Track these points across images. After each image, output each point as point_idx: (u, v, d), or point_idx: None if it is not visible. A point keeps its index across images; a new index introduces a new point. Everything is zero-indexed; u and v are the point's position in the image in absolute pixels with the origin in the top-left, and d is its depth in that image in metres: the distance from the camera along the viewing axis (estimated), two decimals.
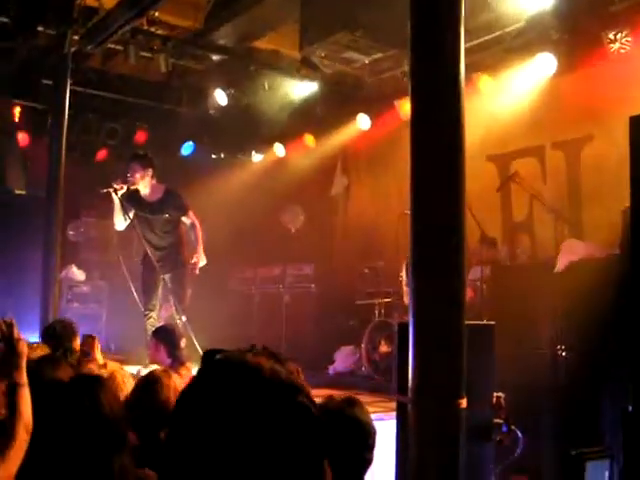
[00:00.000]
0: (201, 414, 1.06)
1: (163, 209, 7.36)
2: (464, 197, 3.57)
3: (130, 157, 7.63)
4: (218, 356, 1.15)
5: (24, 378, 2.62)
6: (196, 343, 6.99)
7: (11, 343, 2.71)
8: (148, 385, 2.90)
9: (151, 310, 7.35)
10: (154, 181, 7.41)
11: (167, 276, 7.25)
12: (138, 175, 7.24)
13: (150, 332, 6.28)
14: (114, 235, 10.55)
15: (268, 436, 1.03)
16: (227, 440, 1.02)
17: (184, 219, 7.47)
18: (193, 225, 7.46)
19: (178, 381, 3.05)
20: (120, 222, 7.29)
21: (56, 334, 4.47)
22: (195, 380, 1.13)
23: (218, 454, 1.02)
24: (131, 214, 7.25)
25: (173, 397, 2.78)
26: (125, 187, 7.17)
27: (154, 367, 4.02)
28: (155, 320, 7.27)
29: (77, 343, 4.39)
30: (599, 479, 1.99)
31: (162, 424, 2.60)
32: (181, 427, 1.08)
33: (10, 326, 2.77)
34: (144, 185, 7.33)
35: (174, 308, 7.07)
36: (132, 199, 7.31)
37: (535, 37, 7.61)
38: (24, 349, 2.72)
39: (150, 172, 7.32)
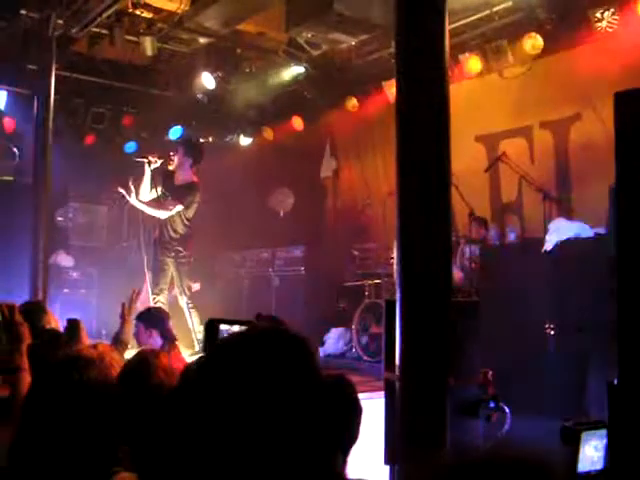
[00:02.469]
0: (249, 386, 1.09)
1: (179, 196, 7.50)
2: (450, 176, 3.58)
3: (182, 139, 7.96)
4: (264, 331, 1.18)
5: (25, 362, 2.64)
6: (193, 327, 7.16)
7: (12, 327, 2.72)
8: (137, 367, 2.87)
9: (157, 294, 7.42)
10: (190, 170, 7.63)
11: (172, 261, 7.42)
12: (176, 158, 7.55)
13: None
14: (104, 220, 10.57)
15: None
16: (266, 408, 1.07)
17: (169, 208, 7.46)
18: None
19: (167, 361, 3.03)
20: (145, 193, 7.50)
21: (27, 316, 4.42)
22: (235, 348, 1.15)
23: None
24: (159, 189, 7.53)
25: (164, 377, 2.76)
26: (159, 162, 7.47)
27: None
28: (163, 305, 7.28)
29: (48, 321, 4.37)
30: (596, 449, 2.01)
31: (152, 405, 2.59)
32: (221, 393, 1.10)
33: (12, 309, 2.77)
34: (179, 169, 7.59)
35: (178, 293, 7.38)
36: (165, 177, 7.61)
37: (522, 17, 7.60)
38: (25, 333, 2.73)
39: (188, 161, 7.60)
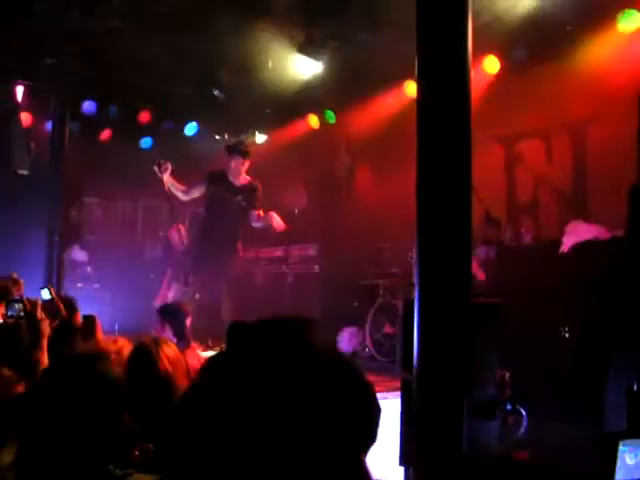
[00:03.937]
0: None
1: (241, 194, 7.74)
2: (470, 177, 3.55)
3: (231, 147, 8.21)
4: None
5: (44, 357, 2.67)
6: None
7: (34, 322, 2.75)
8: (139, 357, 2.83)
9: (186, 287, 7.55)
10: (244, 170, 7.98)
11: (229, 257, 7.61)
12: (241, 167, 7.89)
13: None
14: (118, 215, 10.61)
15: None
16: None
17: (252, 212, 7.81)
18: (262, 217, 7.86)
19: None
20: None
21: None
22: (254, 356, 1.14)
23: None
24: (202, 188, 7.86)
25: (168, 367, 2.74)
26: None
27: None
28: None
29: (77, 319, 4.38)
30: (633, 459, 1.96)
31: (158, 397, 2.58)
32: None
33: (34, 306, 2.80)
34: (236, 172, 7.88)
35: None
36: (217, 179, 7.85)
37: (542, 16, 7.52)
38: (46, 329, 2.77)
39: (247, 164, 7.93)
